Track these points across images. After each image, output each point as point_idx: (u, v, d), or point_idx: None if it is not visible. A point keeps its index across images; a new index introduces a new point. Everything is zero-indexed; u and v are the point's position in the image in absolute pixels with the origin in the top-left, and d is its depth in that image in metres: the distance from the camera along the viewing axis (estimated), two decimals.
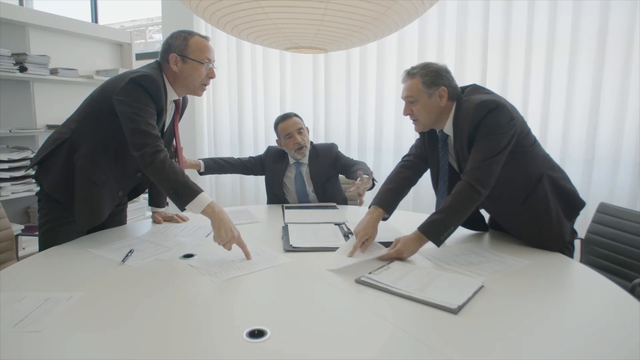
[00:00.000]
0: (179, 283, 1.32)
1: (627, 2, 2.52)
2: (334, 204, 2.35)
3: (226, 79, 3.71)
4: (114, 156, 1.70)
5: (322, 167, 2.39)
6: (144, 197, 3.01)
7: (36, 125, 3.03)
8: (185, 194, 1.51)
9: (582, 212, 1.66)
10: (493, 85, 2.84)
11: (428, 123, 1.64)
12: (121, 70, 3.27)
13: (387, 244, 1.55)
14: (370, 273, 1.32)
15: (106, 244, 1.63)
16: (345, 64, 3.31)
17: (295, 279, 1.34)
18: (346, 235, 1.76)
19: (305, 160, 2.41)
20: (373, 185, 2.05)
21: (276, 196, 2.44)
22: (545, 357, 0.91)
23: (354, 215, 1.75)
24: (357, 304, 1.16)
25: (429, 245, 1.53)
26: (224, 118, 3.78)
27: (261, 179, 3.59)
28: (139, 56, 3.88)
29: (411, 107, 1.63)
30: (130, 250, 1.53)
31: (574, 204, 1.63)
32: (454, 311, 1.08)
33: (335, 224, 1.93)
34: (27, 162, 2.81)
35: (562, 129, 2.77)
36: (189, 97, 1.92)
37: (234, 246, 1.50)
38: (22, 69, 2.80)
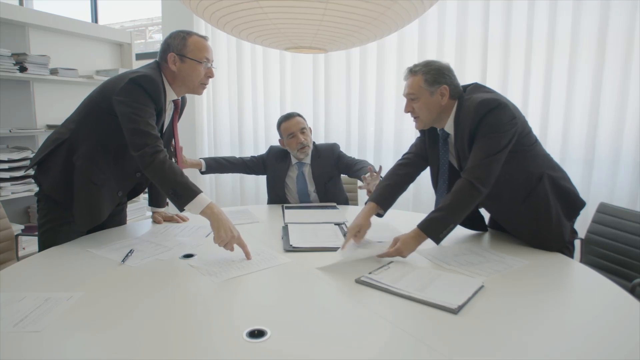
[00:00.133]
0: (179, 283, 1.32)
1: (627, 2, 2.52)
2: (334, 204, 2.35)
3: (226, 79, 3.71)
4: (114, 156, 1.70)
5: (324, 167, 2.39)
6: (144, 197, 3.01)
7: (36, 125, 3.03)
8: (184, 194, 1.51)
9: (582, 212, 1.66)
10: (493, 85, 2.84)
11: (429, 121, 1.64)
12: (121, 70, 3.27)
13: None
14: (370, 273, 1.32)
15: (106, 244, 1.63)
16: (345, 64, 3.31)
17: (295, 279, 1.34)
18: (346, 235, 1.76)
19: (308, 160, 2.41)
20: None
21: (277, 196, 2.44)
22: (546, 357, 0.91)
23: (354, 215, 1.75)
24: (357, 304, 1.16)
25: (429, 245, 1.53)
26: (224, 118, 3.78)
27: (261, 179, 3.60)
28: (139, 56, 3.88)
29: (412, 104, 1.63)
30: (130, 250, 1.53)
31: (574, 203, 1.63)
32: (454, 311, 1.08)
33: (335, 224, 1.93)
34: (27, 162, 2.81)
35: (562, 129, 2.77)
36: (189, 96, 1.93)
37: (235, 246, 1.50)
38: (22, 69, 2.80)
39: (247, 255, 1.48)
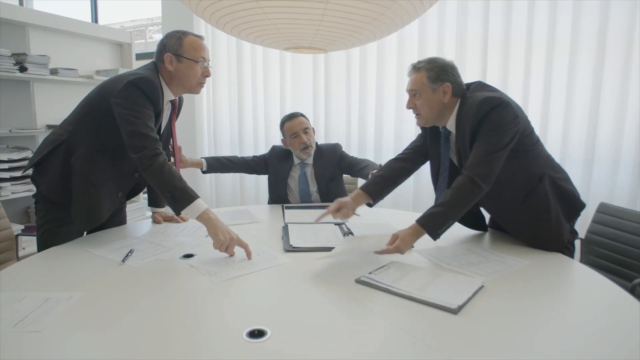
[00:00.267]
0: (179, 283, 1.32)
1: (627, 2, 2.52)
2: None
3: (226, 79, 3.71)
4: (112, 157, 1.70)
5: (327, 167, 2.39)
6: (143, 197, 3.01)
7: (36, 125, 3.03)
8: (182, 199, 1.52)
9: (582, 212, 1.66)
10: (493, 85, 2.84)
11: (430, 118, 1.64)
12: (121, 70, 3.28)
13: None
14: (370, 273, 1.32)
15: (106, 244, 1.63)
16: (345, 64, 3.31)
17: (295, 279, 1.34)
18: (346, 234, 1.76)
19: (310, 160, 2.41)
20: None
21: (278, 196, 2.44)
22: (546, 357, 0.91)
23: (355, 215, 1.76)
24: (357, 304, 1.16)
25: (429, 245, 1.53)
26: (224, 118, 3.78)
27: (261, 179, 3.61)
28: (139, 56, 3.87)
29: (414, 100, 1.63)
30: (130, 250, 1.53)
31: (574, 205, 1.62)
32: (454, 311, 1.08)
33: (335, 224, 1.93)
34: (27, 162, 2.81)
35: (562, 129, 2.77)
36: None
37: (235, 247, 1.50)
38: (22, 69, 2.80)
39: (249, 255, 1.48)
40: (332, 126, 3.43)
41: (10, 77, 2.82)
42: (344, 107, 3.38)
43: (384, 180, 1.79)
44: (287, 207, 2.28)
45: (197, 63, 1.69)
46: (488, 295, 1.20)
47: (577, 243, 1.75)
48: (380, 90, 3.22)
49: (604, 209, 1.93)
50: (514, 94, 2.82)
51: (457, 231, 1.77)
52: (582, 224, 1.97)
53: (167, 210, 2.08)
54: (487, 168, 1.47)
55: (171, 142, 1.91)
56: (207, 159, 2.40)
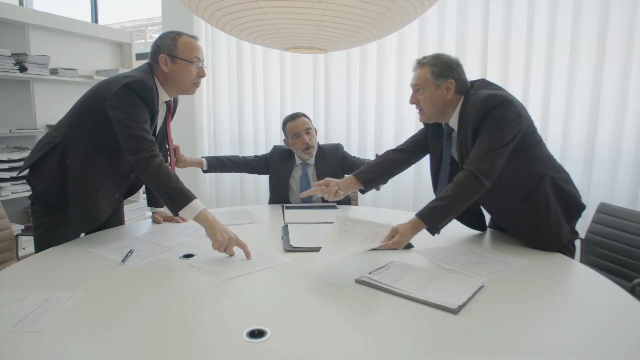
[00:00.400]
0: (179, 283, 1.32)
1: (627, 2, 2.52)
2: (334, 204, 2.35)
3: (226, 79, 3.71)
4: (108, 158, 1.70)
5: (329, 167, 2.39)
6: (143, 197, 3.02)
7: (36, 125, 3.03)
8: (178, 199, 1.52)
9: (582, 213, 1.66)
10: None
11: (432, 114, 1.64)
12: (121, 70, 3.28)
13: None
14: (370, 273, 1.32)
15: (106, 244, 1.63)
16: (345, 64, 3.31)
17: (295, 279, 1.34)
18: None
19: (312, 160, 2.41)
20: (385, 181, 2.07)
21: (280, 196, 2.44)
22: (545, 357, 0.91)
23: (355, 215, 1.76)
24: (357, 304, 1.16)
25: (430, 245, 1.53)
26: (224, 118, 3.78)
27: (261, 179, 3.61)
28: (139, 56, 3.87)
29: (417, 96, 1.63)
30: (130, 250, 1.53)
31: (574, 206, 1.62)
32: (454, 311, 1.08)
33: None
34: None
35: (562, 129, 2.77)
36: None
37: (235, 248, 1.50)
38: (22, 69, 2.80)
39: (248, 255, 1.48)
40: (332, 126, 3.43)
41: (10, 77, 2.82)
42: (344, 107, 3.37)
43: (379, 169, 1.79)
44: (287, 207, 2.27)
45: (191, 64, 1.69)
46: (488, 295, 1.20)
47: (577, 243, 1.75)
48: (380, 90, 3.22)
49: (604, 209, 1.93)
50: (514, 94, 2.78)
51: (457, 231, 1.77)
52: (582, 224, 1.97)
53: (167, 210, 2.08)
54: (488, 164, 1.46)
55: (167, 143, 1.91)
56: (207, 158, 2.40)
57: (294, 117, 2.41)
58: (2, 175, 2.72)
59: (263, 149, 3.59)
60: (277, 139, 3.51)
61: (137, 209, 3.52)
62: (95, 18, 4.41)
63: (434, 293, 1.18)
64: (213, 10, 1.55)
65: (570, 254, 1.62)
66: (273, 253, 1.54)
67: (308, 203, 2.40)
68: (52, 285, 1.27)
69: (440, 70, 1.58)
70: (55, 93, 3.20)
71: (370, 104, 3.28)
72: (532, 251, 1.56)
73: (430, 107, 1.61)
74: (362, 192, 1.85)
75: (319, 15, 1.47)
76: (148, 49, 1.76)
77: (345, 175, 2.48)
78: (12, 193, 2.79)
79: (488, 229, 1.84)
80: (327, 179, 1.84)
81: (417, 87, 1.62)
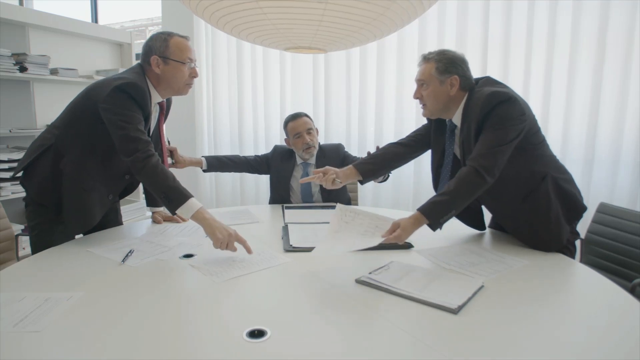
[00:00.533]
0: (179, 283, 1.32)
1: (627, 2, 2.52)
2: (334, 204, 2.34)
3: (226, 79, 3.71)
4: (102, 159, 1.69)
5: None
6: (143, 197, 3.01)
7: (36, 125, 3.02)
8: (175, 198, 1.52)
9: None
10: None
11: (435, 110, 1.64)
12: (121, 70, 3.27)
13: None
14: (370, 273, 1.32)
15: (106, 244, 1.63)
16: (345, 64, 3.31)
17: (295, 279, 1.34)
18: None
19: (313, 160, 2.41)
20: (387, 177, 2.09)
21: (280, 196, 2.44)
22: (545, 357, 0.91)
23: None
24: (357, 304, 1.16)
25: (430, 245, 1.53)
26: (224, 118, 3.78)
27: (261, 179, 3.60)
28: (139, 56, 3.87)
29: (421, 91, 1.63)
30: (130, 250, 1.53)
31: (575, 207, 1.61)
32: (454, 311, 1.08)
33: None
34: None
35: (562, 129, 2.77)
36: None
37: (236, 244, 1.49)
38: (22, 69, 2.80)
39: (248, 250, 1.48)
40: (332, 126, 3.43)
41: (10, 77, 2.82)
42: (344, 107, 3.37)
43: (380, 161, 1.79)
44: (287, 207, 2.27)
45: (184, 64, 1.68)
46: (488, 295, 1.20)
47: (577, 243, 1.75)
48: (380, 90, 3.22)
49: (604, 209, 1.93)
50: None
51: (457, 231, 1.77)
52: (582, 224, 1.97)
53: (166, 210, 2.08)
54: (491, 160, 1.46)
55: (161, 145, 1.91)
56: (207, 157, 2.40)
57: (295, 117, 2.41)
58: (2, 175, 2.72)
59: (263, 149, 3.59)
60: (277, 139, 3.51)
61: (136, 209, 3.51)
62: (95, 18, 4.40)
63: (434, 293, 1.18)
64: (213, 10, 1.55)
65: (571, 254, 1.61)
66: (273, 253, 1.54)
67: (308, 203, 2.40)
68: (52, 285, 1.27)
69: (444, 66, 1.58)
70: (55, 93, 3.19)
71: (370, 104, 3.28)
72: (532, 251, 1.56)
73: (434, 103, 1.61)
74: (361, 182, 1.86)
75: (319, 16, 1.47)
76: None
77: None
78: (12, 193, 2.79)
79: (488, 229, 1.84)
80: (327, 167, 1.86)
81: (421, 82, 1.62)
